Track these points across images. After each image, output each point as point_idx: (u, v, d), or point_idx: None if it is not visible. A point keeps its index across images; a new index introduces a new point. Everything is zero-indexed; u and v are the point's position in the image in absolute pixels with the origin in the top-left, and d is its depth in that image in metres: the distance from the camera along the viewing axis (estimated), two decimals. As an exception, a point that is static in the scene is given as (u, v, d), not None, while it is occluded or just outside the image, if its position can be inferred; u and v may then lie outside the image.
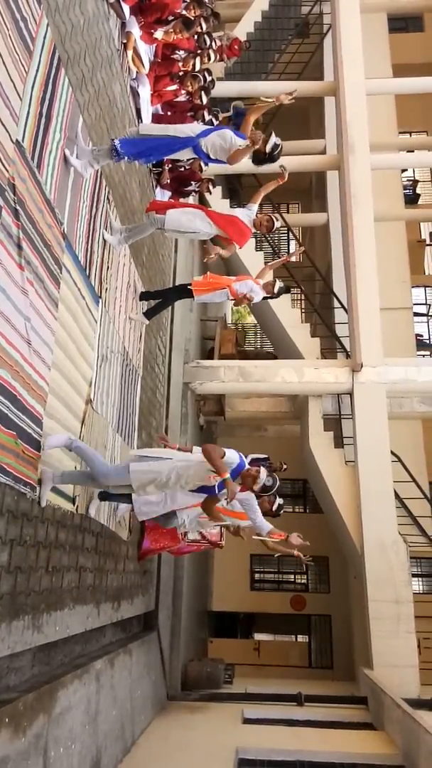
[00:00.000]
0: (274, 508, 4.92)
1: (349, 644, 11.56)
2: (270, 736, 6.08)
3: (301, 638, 14.23)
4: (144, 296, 6.01)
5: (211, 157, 4.47)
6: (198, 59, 6.95)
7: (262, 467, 3.83)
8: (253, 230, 5.13)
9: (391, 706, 6.08)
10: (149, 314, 6.01)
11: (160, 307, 6.13)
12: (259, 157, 4.48)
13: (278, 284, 5.69)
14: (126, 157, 4.30)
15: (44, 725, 3.30)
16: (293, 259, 6.66)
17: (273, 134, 4.45)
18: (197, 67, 7.04)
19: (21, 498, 3.14)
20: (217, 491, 3.78)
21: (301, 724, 6.53)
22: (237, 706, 7.10)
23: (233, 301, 5.85)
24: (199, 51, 7.15)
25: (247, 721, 6.61)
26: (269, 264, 6.07)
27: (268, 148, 4.42)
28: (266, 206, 15.44)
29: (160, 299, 6.09)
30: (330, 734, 6.26)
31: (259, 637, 14.66)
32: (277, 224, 5.16)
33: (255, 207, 5.06)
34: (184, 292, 5.85)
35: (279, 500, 4.95)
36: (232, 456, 3.75)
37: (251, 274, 6.51)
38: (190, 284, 5.73)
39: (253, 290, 5.61)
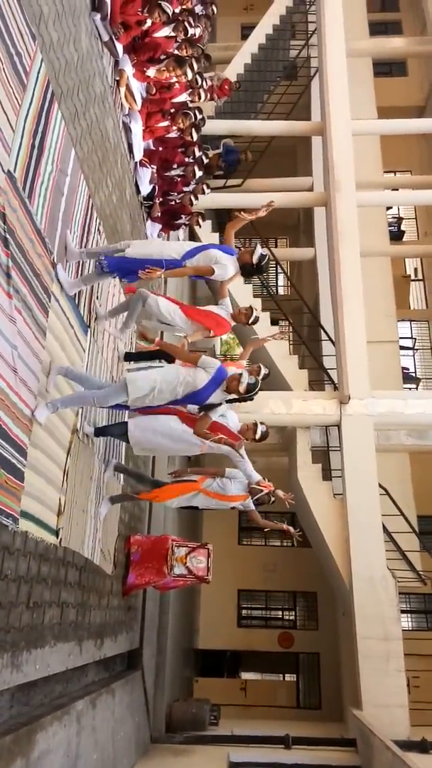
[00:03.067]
0: (260, 377, 5.20)
1: (338, 683, 11.30)
2: (257, 781, 5.88)
3: (288, 677, 13.90)
4: (129, 357, 5.78)
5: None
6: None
7: (243, 371, 3.95)
8: (233, 323, 4.94)
9: (380, 748, 5.91)
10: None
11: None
12: (247, 269, 4.49)
13: (264, 370, 5.43)
14: (112, 274, 4.33)
15: (21, 771, 3.16)
16: (277, 338, 6.47)
17: (259, 246, 4.52)
18: (190, 100, 7.17)
19: (2, 530, 3.06)
20: (204, 399, 3.90)
21: (288, 768, 6.32)
22: (223, 749, 6.86)
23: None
24: (190, 90, 7.33)
25: (232, 765, 6.39)
26: (250, 342, 5.97)
27: (254, 260, 4.43)
28: (254, 240, 15.70)
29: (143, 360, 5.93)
30: (319, 779, 6.07)
31: (246, 676, 14.29)
32: (257, 313, 4.96)
33: (227, 301, 4.90)
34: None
35: (264, 370, 5.23)
36: (211, 361, 3.89)
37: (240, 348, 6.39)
38: None
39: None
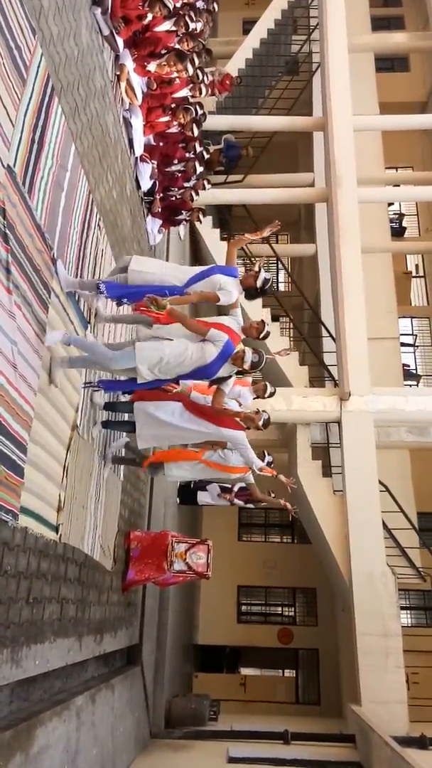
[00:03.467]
0: (266, 395, 5.36)
1: (337, 679, 11.33)
2: (256, 776, 5.89)
3: (288, 673, 13.93)
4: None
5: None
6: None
7: (246, 349, 4.11)
8: (243, 336, 4.70)
9: (379, 744, 5.92)
10: None
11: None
12: (251, 292, 4.50)
13: (269, 389, 5.55)
14: (109, 298, 4.35)
15: (21, 765, 3.16)
16: (283, 354, 6.41)
17: (262, 270, 4.53)
18: (191, 95, 7.15)
19: (2, 526, 3.06)
20: (213, 374, 4.05)
21: (287, 764, 6.33)
22: (222, 744, 6.88)
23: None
24: (191, 85, 7.30)
25: (231, 760, 6.40)
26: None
27: (258, 284, 4.44)
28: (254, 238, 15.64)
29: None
30: (317, 774, 6.08)
31: (245, 671, 14.32)
32: (268, 328, 4.79)
33: (239, 311, 4.75)
34: None
35: (270, 389, 5.33)
36: (219, 334, 3.99)
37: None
38: None
39: (242, 395, 5.49)
